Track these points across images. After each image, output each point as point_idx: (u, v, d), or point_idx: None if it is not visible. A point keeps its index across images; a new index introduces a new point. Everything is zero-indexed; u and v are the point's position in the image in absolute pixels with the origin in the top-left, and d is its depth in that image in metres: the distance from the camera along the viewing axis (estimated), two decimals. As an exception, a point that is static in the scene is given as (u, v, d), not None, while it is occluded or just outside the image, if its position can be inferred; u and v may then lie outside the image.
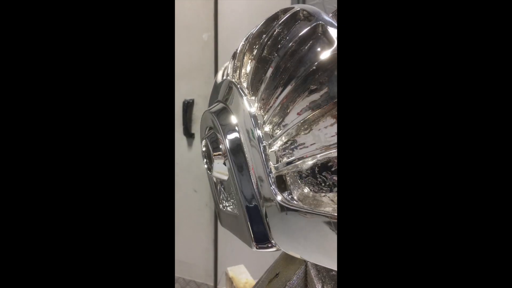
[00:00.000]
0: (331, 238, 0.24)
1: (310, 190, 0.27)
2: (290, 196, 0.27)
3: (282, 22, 0.29)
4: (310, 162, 0.26)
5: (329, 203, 0.26)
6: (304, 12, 0.28)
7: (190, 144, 1.40)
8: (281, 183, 0.27)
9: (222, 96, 0.34)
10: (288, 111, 0.26)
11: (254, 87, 0.30)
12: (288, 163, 0.26)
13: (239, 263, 0.75)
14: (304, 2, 1.20)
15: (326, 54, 0.24)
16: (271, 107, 0.28)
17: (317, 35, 0.26)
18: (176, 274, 1.48)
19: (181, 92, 1.37)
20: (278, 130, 0.27)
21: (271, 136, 0.28)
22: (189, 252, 1.44)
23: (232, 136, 0.29)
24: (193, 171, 1.40)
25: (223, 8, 1.29)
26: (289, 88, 0.26)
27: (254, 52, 0.31)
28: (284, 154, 0.27)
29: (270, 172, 0.27)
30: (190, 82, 1.36)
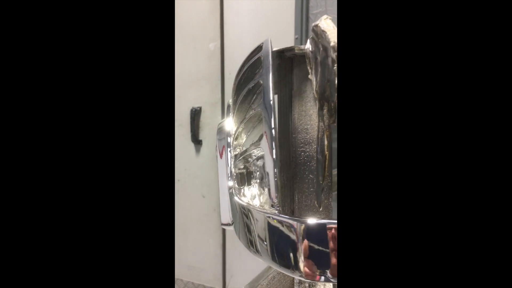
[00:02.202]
0: (243, 227, 0.30)
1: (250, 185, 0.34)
2: (241, 189, 0.34)
3: (254, 51, 0.37)
4: (252, 161, 0.33)
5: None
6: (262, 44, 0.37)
7: (198, 150, 1.43)
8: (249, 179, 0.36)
9: (226, 112, 0.42)
10: (238, 122, 0.35)
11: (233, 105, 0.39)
12: (235, 161, 0.35)
13: (246, 267, 0.77)
14: (307, 12, 1.23)
15: (260, 77, 0.33)
16: (235, 119, 0.37)
17: (261, 64, 0.35)
18: (185, 278, 1.50)
19: (189, 100, 1.41)
20: (233, 136, 0.36)
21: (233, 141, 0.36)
22: (198, 256, 1.47)
23: (220, 144, 0.38)
24: (201, 177, 1.43)
25: (228, 18, 1.32)
26: (238, 103, 0.35)
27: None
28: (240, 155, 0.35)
29: (231, 169, 0.36)
30: (197, 90, 1.40)
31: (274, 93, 0.32)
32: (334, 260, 0.24)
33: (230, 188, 0.35)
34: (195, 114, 1.39)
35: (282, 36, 1.21)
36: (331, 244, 0.24)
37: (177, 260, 1.49)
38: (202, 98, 1.40)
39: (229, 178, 0.35)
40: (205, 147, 1.42)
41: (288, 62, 0.39)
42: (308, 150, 0.38)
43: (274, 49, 0.38)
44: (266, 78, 0.32)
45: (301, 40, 1.21)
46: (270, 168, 0.29)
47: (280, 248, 0.27)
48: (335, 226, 0.24)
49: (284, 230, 0.26)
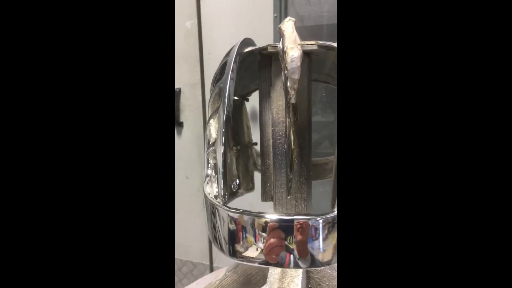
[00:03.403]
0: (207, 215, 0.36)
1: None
2: (214, 177, 0.39)
3: (226, 54, 0.40)
4: (214, 154, 0.38)
5: None
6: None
7: (179, 132, 1.43)
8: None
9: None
10: (210, 119, 0.40)
11: None
12: (210, 153, 0.39)
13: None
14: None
15: (221, 82, 0.37)
16: (210, 116, 0.41)
17: (226, 68, 0.39)
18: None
19: (168, 81, 1.39)
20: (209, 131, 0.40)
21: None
22: (185, 234, 1.51)
23: (206, 139, 0.43)
24: (184, 159, 1.44)
25: (205, -5, 1.29)
26: (211, 102, 0.40)
27: None
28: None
29: (208, 160, 0.40)
30: (176, 71, 1.38)
31: (233, 96, 0.36)
32: (263, 248, 0.30)
33: (206, 176, 0.39)
34: (175, 96, 1.38)
35: (261, 15, 1.19)
36: (263, 235, 0.29)
37: (164, 239, 1.52)
38: (181, 79, 1.38)
39: (207, 168, 0.40)
40: (186, 128, 1.42)
41: (267, 58, 0.41)
42: (284, 142, 0.41)
43: (248, 49, 0.39)
44: (225, 84, 0.36)
45: (280, 18, 1.19)
46: (219, 162, 0.34)
47: (217, 232, 0.34)
48: (268, 219, 0.30)
49: (222, 217, 0.32)
